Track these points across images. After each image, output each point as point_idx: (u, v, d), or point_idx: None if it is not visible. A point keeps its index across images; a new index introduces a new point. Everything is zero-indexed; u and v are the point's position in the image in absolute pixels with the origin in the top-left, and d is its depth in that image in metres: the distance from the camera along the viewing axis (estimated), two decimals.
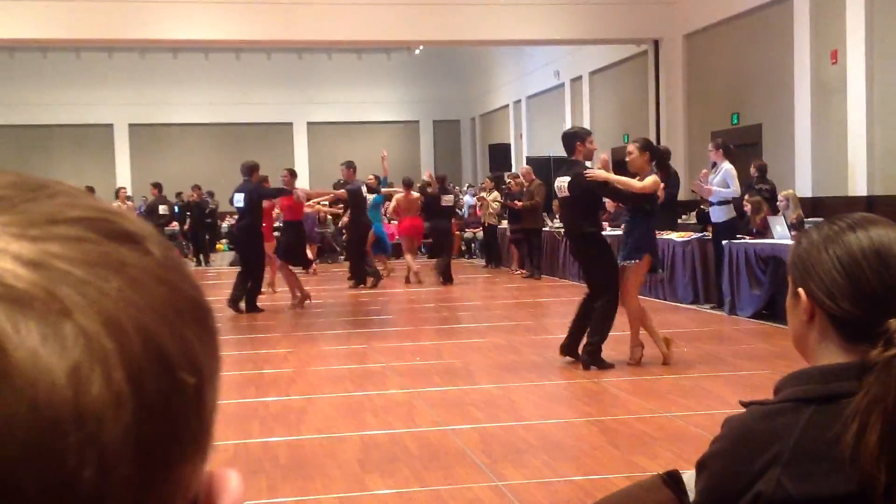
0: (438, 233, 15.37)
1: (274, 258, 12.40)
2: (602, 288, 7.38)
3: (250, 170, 11.47)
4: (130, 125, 26.46)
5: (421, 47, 24.12)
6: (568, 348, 7.47)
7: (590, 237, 7.55)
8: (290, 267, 12.17)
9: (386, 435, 5.55)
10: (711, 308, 10.71)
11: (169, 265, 0.44)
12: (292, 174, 12.48)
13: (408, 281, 14.97)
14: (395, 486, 4.59)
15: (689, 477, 1.78)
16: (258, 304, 11.61)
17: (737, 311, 9.93)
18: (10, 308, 0.38)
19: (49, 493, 0.37)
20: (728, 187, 10.48)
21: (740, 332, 9.09)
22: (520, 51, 22.41)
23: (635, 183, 7.30)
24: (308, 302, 12.10)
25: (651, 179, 7.31)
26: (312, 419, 5.99)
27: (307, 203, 13.06)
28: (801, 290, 1.66)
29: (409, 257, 15.28)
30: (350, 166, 13.64)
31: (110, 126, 26.40)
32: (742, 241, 10.15)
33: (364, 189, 14.13)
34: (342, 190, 13.92)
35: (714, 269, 10.78)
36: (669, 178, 12.17)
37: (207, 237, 21.18)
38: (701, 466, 1.68)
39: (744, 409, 1.70)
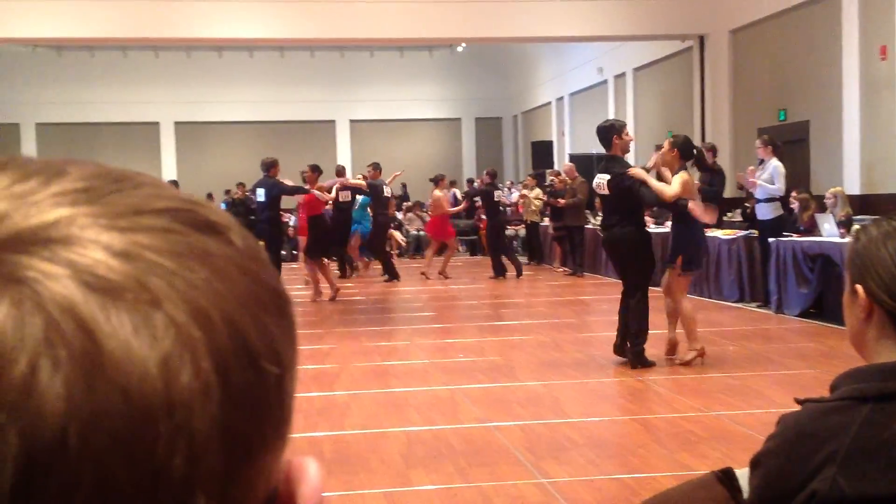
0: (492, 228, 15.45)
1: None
2: (635, 286, 7.34)
3: (269, 166, 11.90)
4: (176, 123, 26.75)
5: (463, 45, 24.10)
6: (620, 348, 7.40)
7: (630, 235, 7.46)
8: (322, 261, 12.49)
9: (429, 431, 5.56)
10: (758, 306, 10.59)
11: (251, 255, 0.44)
12: (314, 170, 12.70)
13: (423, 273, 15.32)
14: (440, 481, 4.59)
15: (743, 475, 1.77)
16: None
17: (784, 309, 9.80)
18: (103, 299, 0.38)
19: (140, 482, 0.37)
20: (773, 184, 10.34)
21: (787, 330, 8.98)
22: (562, 47, 22.30)
23: (667, 191, 7.21)
24: (326, 297, 12.34)
25: (678, 180, 7.22)
26: (356, 415, 6.02)
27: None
28: (858, 286, 1.64)
29: (429, 253, 15.76)
30: (376, 168, 14.15)
31: (156, 124, 26.72)
32: (789, 238, 10.02)
33: (386, 188, 14.37)
34: (363, 182, 13.99)
35: (760, 268, 10.66)
36: (715, 175, 12.09)
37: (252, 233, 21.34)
38: (755, 464, 1.66)
39: (799, 407, 1.68)
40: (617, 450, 5.17)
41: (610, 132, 7.53)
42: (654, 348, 7.42)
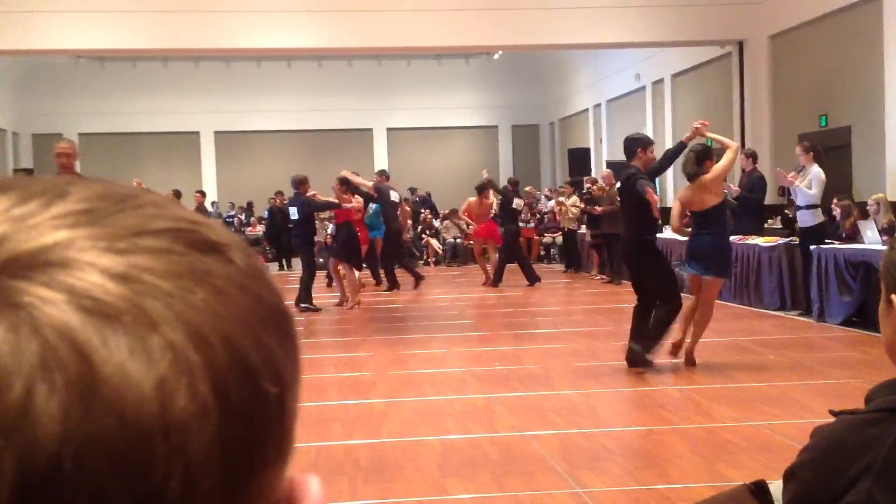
0: (508, 235, 15.43)
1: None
2: (659, 296, 7.42)
3: (299, 183, 12.30)
4: (216, 132, 27.03)
5: (500, 52, 24.11)
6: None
7: (645, 244, 7.49)
8: (351, 268, 12.64)
9: (465, 440, 5.55)
10: (799, 315, 10.46)
11: (251, 273, 0.45)
12: (342, 183, 12.86)
13: (485, 284, 15.24)
14: (475, 490, 4.58)
15: (776, 488, 1.75)
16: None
17: (825, 317, 9.67)
18: (100, 322, 0.38)
19: None
20: (810, 188, 10.20)
21: (829, 339, 8.85)
22: (600, 54, 22.21)
23: (674, 221, 7.60)
24: (347, 306, 12.52)
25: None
26: (393, 423, 6.03)
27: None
28: (894, 297, 1.61)
29: (481, 261, 15.68)
30: (382, 174, 14.43)
31: (196, 133, 27.01)
32: (831, 245, 9.89)
33: (394, 194, 14.71)
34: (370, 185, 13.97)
35: (802, 275, 10.52)
36: (756, 182, 11.96)
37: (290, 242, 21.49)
38: (789, 476, 1.64)
39: (833, 419, 1.66)
40: (654, 459, 5.12)
41: (636, 144, 7.58)
42: (715, 356, 7.38)
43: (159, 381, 0.38)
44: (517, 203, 15.23)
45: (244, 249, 0.46)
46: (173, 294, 0.41)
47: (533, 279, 15.03)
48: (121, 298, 0.40)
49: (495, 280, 15.12)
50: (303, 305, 12.17)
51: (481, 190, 15.39)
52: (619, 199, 7.65)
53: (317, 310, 12.11)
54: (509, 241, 15.30)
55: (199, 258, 0.42)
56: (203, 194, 20.22)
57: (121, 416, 0.38)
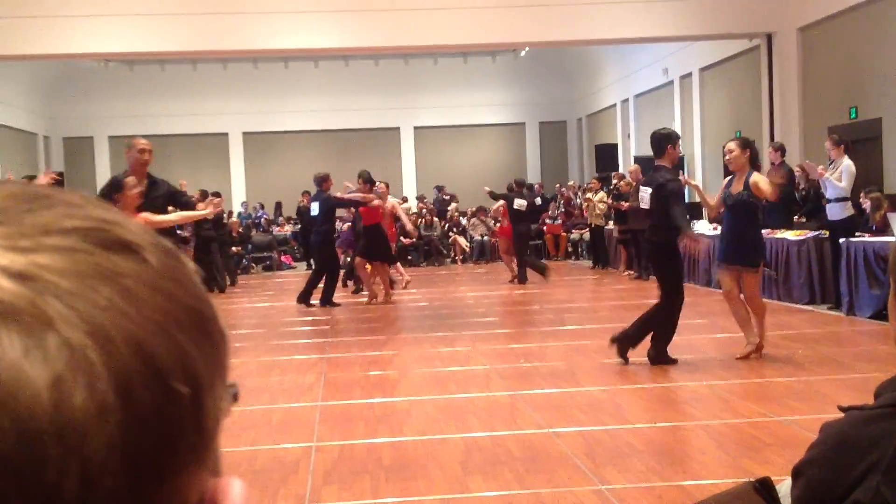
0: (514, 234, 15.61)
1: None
2: (673, 294, 7.49)
3: (322, 180, 12.54)
4: (244, 133, 27.18)
5: (526, 49, 24.04)
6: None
7: (671, 244, 7.50)
8: (383, 265, 12.94)
9: (488, 437, 5.54)
10: (828, 309, 10.34)
11: (166, 274, 0.44)
12: (365, 181, 12.96)
13: (511, 281, 15.49)
14: (497, 488, 4.57)
15: (786, 485, 1.72)
16: (334, 299, 12.77)
17: (855, 311, 9.56)
18: None
19: None
20: (840, 181, 10.08)
21: (859, 333, 8.74)
22: (626, 49, 22.08)
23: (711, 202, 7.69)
24: (379, 300, 12.88)
25: (766, 186, 7.33)
26: (416, 421, 6.03)
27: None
28: None
29: (506, 258, 15.97)
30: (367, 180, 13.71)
31: (225, 135, 27.18)
32: (861, 238, 9.77)
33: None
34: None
35: (831, 269, 10.41)
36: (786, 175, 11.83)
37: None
38: (797, 473, 1.62)
39: (842, 415, 1.63)
40: (678, 456, 5.08)
41: (666, 140, 7.56)
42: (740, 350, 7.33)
43: (54, 379, 0.38)
44: (519, 203, 15.21)
45: (161, 250, 0.45)
46: (75, 293, 0.40)
47: (522, 278, 15.18)
48: (18, 297, 0.39)
49: (520, 277, 15.17)
50: (313, 302, 12.45)
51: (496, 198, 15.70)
52: (646, 205, 7.58)
53: (310, 306, 12.44)
54: (514, 240, 15.47)
55: (108, 257, 0.42)
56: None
57: (13, 416, 0.37)
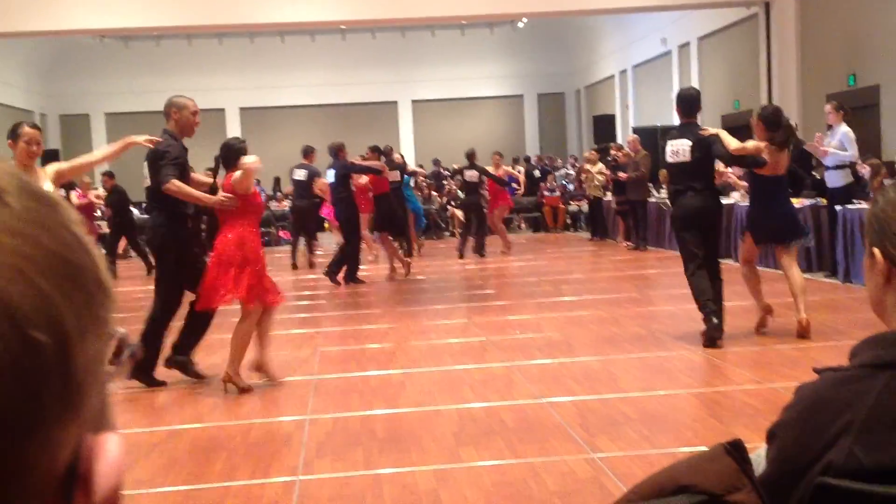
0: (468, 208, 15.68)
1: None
2: (716, 254, 7.40)
3: (338, 149, 12.32)
4: (241, 109, 27.08)
5: (524, 20, 23.88)
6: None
7: (717, 202, 7.37)
8: (389, 238, 12.79)
9: (483, 408, 5.54)
10: (825, 276, 10.34)
11: (30, 218, 0.42)
12: (373, 151, 13.12)
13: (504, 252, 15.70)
14: (490, 458, 4.58)
15: (763, 450, 1.71)
16: (359, 276, 12.44)
17: (851, 278, 9.55)
18: None
19: None
20: (845, 150, 10.05)
21: (855, 300, 8.73)
22: (625, 19, 21.95)
23: (732, 143, 7.11)
24: (406, 273, 12.65)
25: (751, 142, 7.17)
26: (411, 393, 6.03)
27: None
28: (876, 250, 1.57)
29: (502, 227, 16.21)
30: (375, 150, 13.77)
31: (222, 110, 27.07)
32: (857, 206, 9.73)
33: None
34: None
35: (828, 236, 10.38)
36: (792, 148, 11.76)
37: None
38: (771, 436, 1.61)
39: (817, 377, 1.62)
40: (671, 424, 5.09)
41: (699, 100, 7.52)
42: (739, 319, 7.30)
43: None
44: (469, 175, 15.20)
45: (30, 194, 0.43)
46: None
47: (461, 252, 15.38)
48: None
49: (476, 248, 15.43)
50: (345, 278, 12.15)
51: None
52: (686, 157, 7.23)
53: (337, 284, 12.11)
54: (463, 210, 15.79)
55: None
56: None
57: None
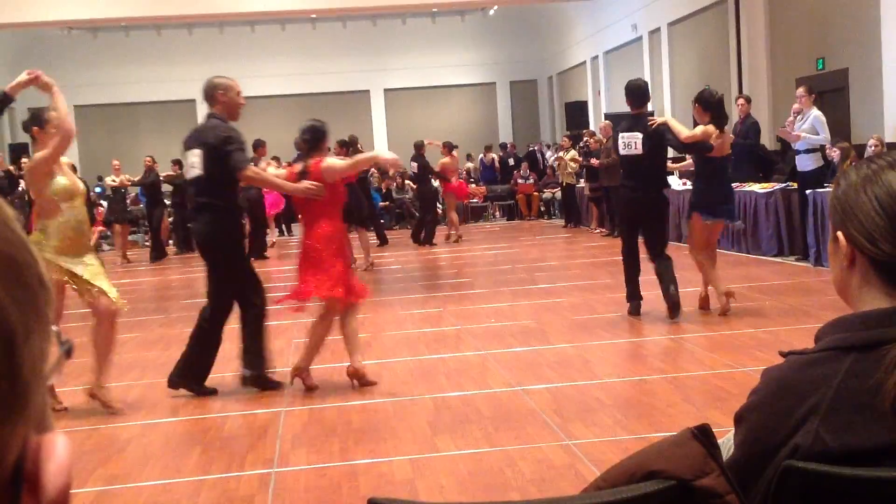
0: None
1: None
2: (665, 245, 7.59)
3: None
4: None
5: (495, 7, 23.85)
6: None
7: (663, 195, 7.55)
8: (361, 229, 12.70)
9: (458, 397, 5.55)
10: (796, 260, 10.43)
11: None
12: (342, 145, 13.08)
13: (448, 238, 16.00)
14: (466, 446, 4.59)
15: (730, 435, 1.72)
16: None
17: (823, 262, 9.64)
18: None
19: None
20: (817, 134, 10.13)
21: (826, 283, 8.80)
22: (596, 5, 21.98)
23: (684, 132, 7.41)
24: (362, 267, 12.47)
25: (700, 128, 7.44)
26: (386, 383, 6.03)
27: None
28: (839, 233, 1.58)
29: (453, 215, 16.43)
30: (342, 144, 13.68)
31: (192, 101, 26.79)
32: (828, 189, 9.81)
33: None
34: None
35: (800, 220, 10.47)
36: (750, 128, 11.84)
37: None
38: (739, 420, 1.62)
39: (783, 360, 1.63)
40: (645, 409, 5.12)
41: (647, 91, 7.67)
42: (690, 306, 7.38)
43: None
44: (415, 166, 15.87)
45: None
46: None
47: (417, 239, 15.80)
48: None
49: (427, 240, 15.69)
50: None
51: (451, 149, 16.31)
52: (638, 150, 7.43)
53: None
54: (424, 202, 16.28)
55: None
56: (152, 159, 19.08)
57: None
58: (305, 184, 5.69)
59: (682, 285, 7.51)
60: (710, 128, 7.37)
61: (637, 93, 7.56)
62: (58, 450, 0.44)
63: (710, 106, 7.50)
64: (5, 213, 0.44)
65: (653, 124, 7.37)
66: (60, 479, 0.43)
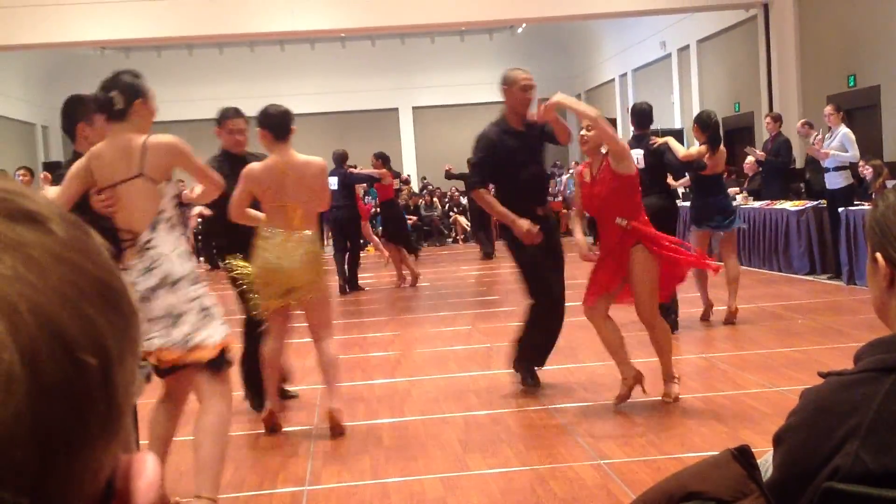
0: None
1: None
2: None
3: (341, 158, 12.43)
4: None
5: (523, 25, 23.91)
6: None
7: (669, 204, 7.80)
8: (398, 247, 12.78)
9: (489, 416, 5.55)
10: (828, 278, 10.34)
11: (73, 245, 0.44)
12: (378, 158, 13.05)
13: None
14: (497, 465, 4.59)
15: (770, 455, 1.72)
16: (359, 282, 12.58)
17: (855, 280, 9.55)
18: None
19: None
20: (846, 152, 10.08)
21: (858, 302, 8.72)
22: (624, 23, 21.97)
23: (681, 151, 7.89)
24: (405, 284, 12.68)
25: (694, 148, 8.01)
26: (416, 401, 6.04)
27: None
28: (878, 255, 1.58)
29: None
30: (380, 157, 13.62)
31: None
32: (860, 207, 9.74)
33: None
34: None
35: (831, 238, 10.39)
36: (781, 146, 11.78)
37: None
38: (778, 440, 1.62)
39: (822, 381, 1.63)
40: (677, 429, 5.09)
41: (650, 114, 8.03)
42: (744, 322, 7.32)
43: None
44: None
45: (69, 221, 0.45)
46: None
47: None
48: None
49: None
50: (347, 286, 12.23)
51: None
52: (640, 165, 7.63)
53: (362, 288, 12.43)
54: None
55: (12, 227, 0.42)
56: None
57: None
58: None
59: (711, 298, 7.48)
60: (703, 148, 7.92)
61: (641, 115, 7.97)
62: (147, 468, 0.46)
63: (707, 127, 8.04)
64: (97, 241, 0.46)
65: (654, 143, 7.65)
66: (150, 495, 0.46)
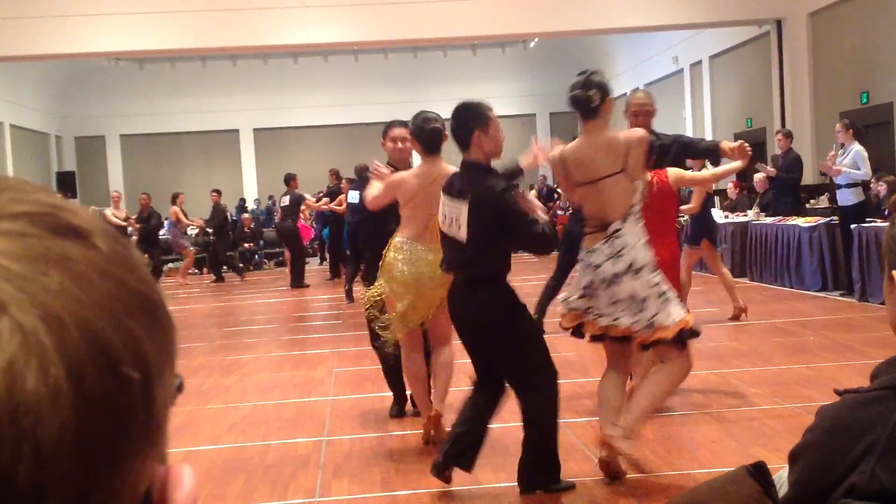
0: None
1: None
2: None
3: (363, 171, 12.23)
4: (255, 130, 27.22)
5: (536, 39, 23.97)
6: None
7: None
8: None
9: (498, 429, 5.53)
10: (841, 295, 10.30)
11: (116, 259, 0.44)
12: (331, 172, 13.57)
13: None
14: (507, 479, 4.58)
15: (785, 472, 1.72)
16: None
17: (868, 297, 9.51)
18: None
19: None
20: (858, 169, 10.06)
21: (871, 319, 8.69)
22: (636, 38, 22.00)
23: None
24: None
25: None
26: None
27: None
28: (894, 272, 1.58)
29: None
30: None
31: (236, 131, 27.22)
32: (872, 224, 9.72)
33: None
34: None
35: (843, 255, 10.36)
36: (792, 163, 11.78)
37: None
38: (794, 458, 1.61)
39: (838, 398, 1.63)
40: (688, 445, 5.07)
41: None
42: (754, 339, 7.28)
43: (7, 363, 0.38)
44: (283, 200, 16.29)
45: (111, 236, 0.45)
46: (26, 276, 0.40)
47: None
48: None
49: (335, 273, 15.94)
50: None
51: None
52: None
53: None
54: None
55: (58, 242, 0.42)
56: (219, 193, 19.34)
57: None
58: None
59: (720, 318, 7.45)
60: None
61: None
62: (185, 479, 0.47)
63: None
64: (137, 254, 0.47)
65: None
66: None
